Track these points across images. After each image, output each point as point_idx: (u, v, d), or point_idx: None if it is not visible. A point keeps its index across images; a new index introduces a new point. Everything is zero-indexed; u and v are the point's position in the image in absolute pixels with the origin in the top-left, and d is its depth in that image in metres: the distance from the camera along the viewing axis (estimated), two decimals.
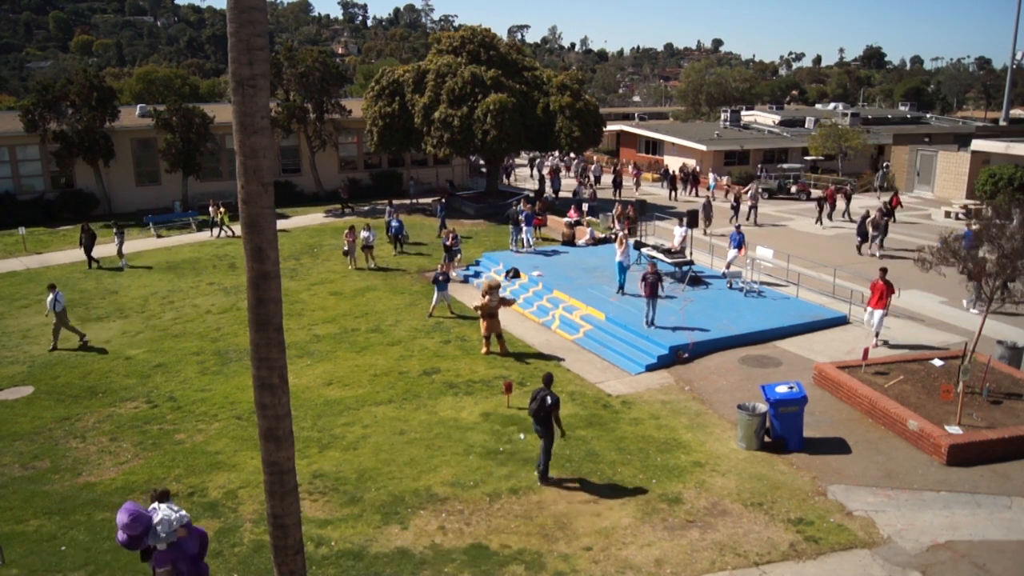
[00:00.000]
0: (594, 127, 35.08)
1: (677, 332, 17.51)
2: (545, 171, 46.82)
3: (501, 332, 17.57)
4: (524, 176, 52.31)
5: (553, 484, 11.77)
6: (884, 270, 16.82)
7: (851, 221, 31.28)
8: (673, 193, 40.66)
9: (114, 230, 27.04)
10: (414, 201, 38.26)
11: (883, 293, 16.45)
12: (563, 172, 49.96)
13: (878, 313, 16.53)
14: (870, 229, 25.63)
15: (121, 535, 8.21)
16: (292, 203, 37.60)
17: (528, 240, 26.36)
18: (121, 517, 8.12)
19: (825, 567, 9.62)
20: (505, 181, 48.19)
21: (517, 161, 55.99)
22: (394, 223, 27.10)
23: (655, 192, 42.79)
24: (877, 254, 25.22)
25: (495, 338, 17.55)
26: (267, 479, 6.11)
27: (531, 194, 38.19)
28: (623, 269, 20.70)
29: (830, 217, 31.69)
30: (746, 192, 33.31)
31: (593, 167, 47.79)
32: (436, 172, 43.66)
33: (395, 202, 33.17)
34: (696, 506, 11.05)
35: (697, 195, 40.28)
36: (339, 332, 19.33)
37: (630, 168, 47.31)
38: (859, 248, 25.87)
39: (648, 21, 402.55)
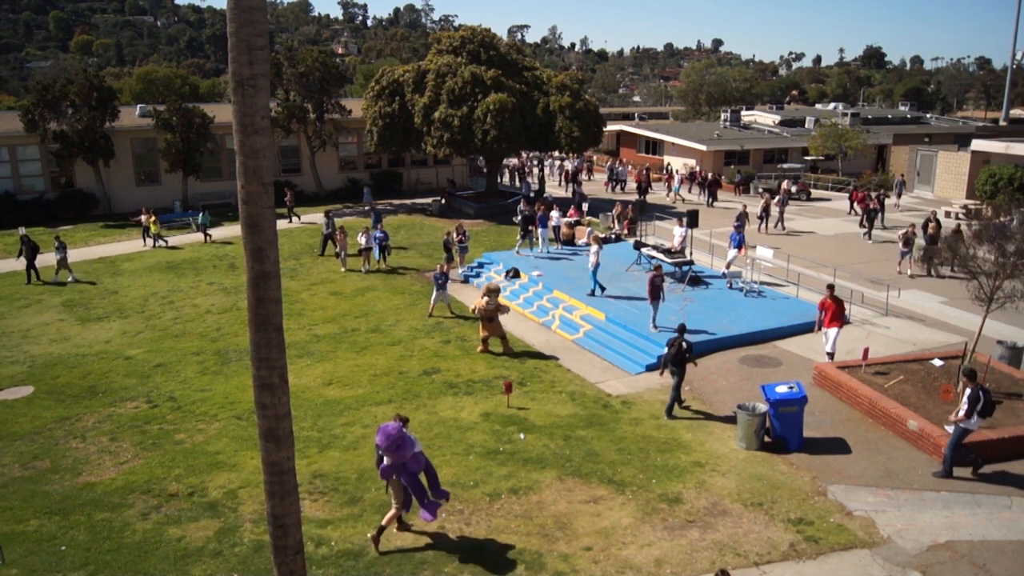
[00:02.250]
0: (594, 127, 35.05)
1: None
2: (553, 172, 46.30)
3: (504, 335, 17.57)
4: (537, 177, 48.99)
5: (674, 419, 13.94)
6: (831, 287, 16.11)
7: (884, 228, 29.59)
8: (712, 200, 37.21)
9: (55, 243, 24.76)
10: (366, 208, 35.78)
11: (834, 312, 15.68)
12: (584, 174, 47.42)
13: (832, 332, 15.76)
14: (900, 245, 23.01)
15: (382, 439, 9.84)
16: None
17: (543, 242, 26.28)
18: (387, 430, 9.87)
19: (825, 567, 9.62)
20: (519, 183, 47.79)
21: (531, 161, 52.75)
22: (378, 233, 25.89)
23: (688, 198, 39.80)
24: (908, 272, 22.70)
25: (498, 340, 17.55)
26: (267, 479, 6.11)
27: (530, 194, 38.19)
28: (595, 273, 20.68)
29: (870, 223, 28.72)
30: (775, 198, 31.22)
31: (620, 170, 45.20)
32: (436, 172, 43.68)
33: (330, 211, 29.88)
34: (696, 506, 11.05)
35: (711, 196, 37.68)
36: (339, 332, 19.33)
37: (664, 172, 43.98)
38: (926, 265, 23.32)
39: (648, 21, 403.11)
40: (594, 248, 20.72)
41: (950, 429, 11.72)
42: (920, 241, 23.95)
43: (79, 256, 28.04)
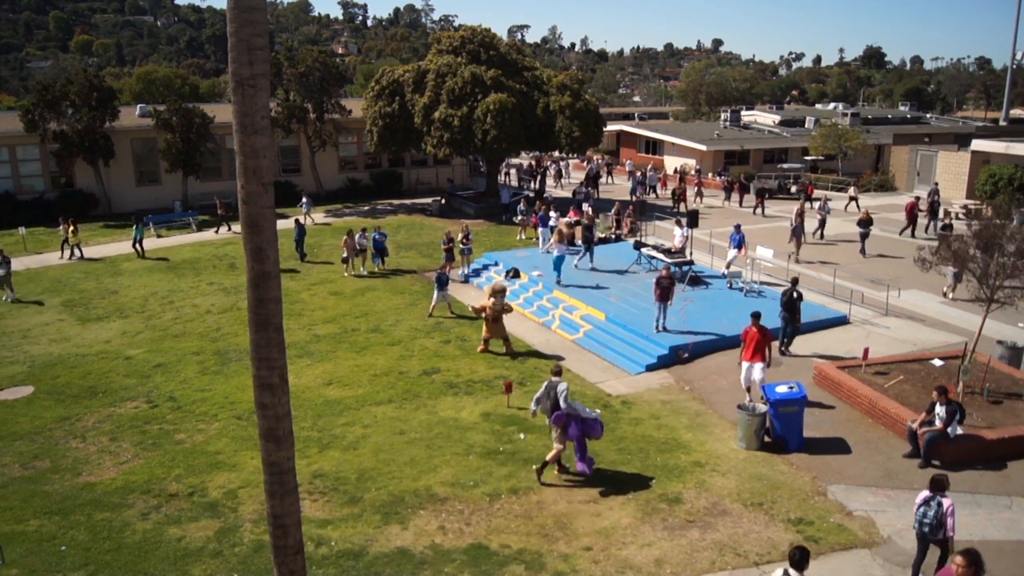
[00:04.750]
0: (594, 127, 35.05)
1: (677, 332, 17.49)
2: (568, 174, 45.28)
3: (507, 336, 17.57)
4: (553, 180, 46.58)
5: (791, 357, 16.26)
6: (756, 315, 14.12)
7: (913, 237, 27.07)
8: (759, 209, 33.98)
9: None
10: (306, 218, 32.38)
11: (758, 343, 13.84)
12: (603, 178, 44.90)
13: (757, 367, 13.89)
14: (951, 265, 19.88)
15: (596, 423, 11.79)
16: (292, 203, 37.54)
17: (543, 242, 26.20)
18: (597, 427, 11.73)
19: (825, 567, 9.61)
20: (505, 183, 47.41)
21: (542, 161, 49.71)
22: (376, 235, 25.32)
23: (727, 207, 36.66)
24: (951, 295, 20.34)
25: (499, 340, 17.55)
26: (267, 479, 6.11)
27: (531, 194, 38.18)
28: (560, 262, 21.58)
29: (912, 234, 27.17)
30: (815, 204, 28.81)
31: (651, 175, 41.80)
32: (436, 172, 43.70)
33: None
34: (696, 506, 11.05)
35: (760, 205, 34.19)
36: (339, 332, 19.33)
37: (693, 175, 40.91)
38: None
39: (648, 21, 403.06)
40: (553, 239, 22.06)
41: (913, 425, 12.24)
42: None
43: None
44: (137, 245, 27.96)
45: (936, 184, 34.86)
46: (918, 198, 30.67)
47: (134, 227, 28.12)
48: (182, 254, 28.47)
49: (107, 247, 29.67)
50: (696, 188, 38.30)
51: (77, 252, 27.89)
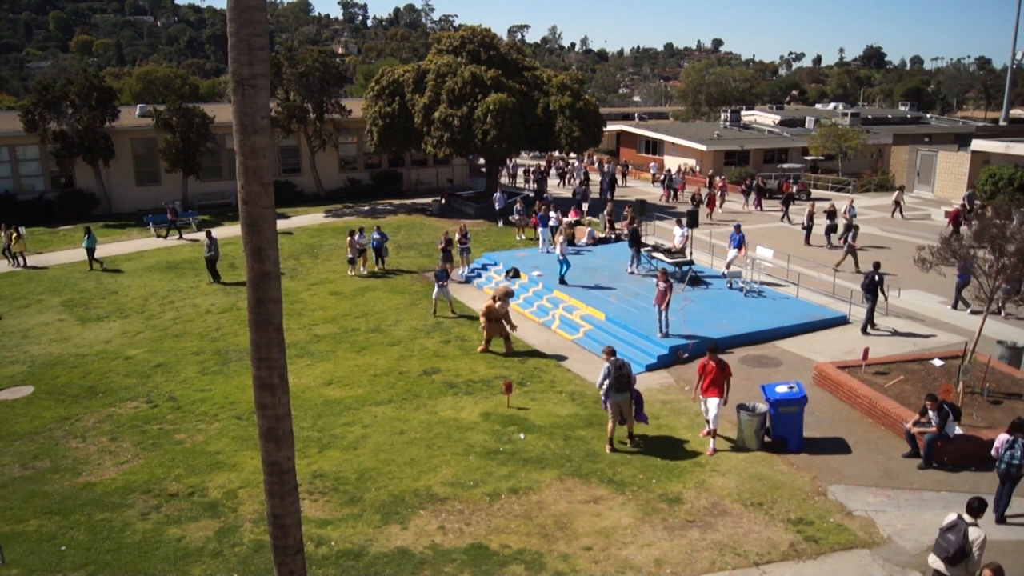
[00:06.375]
0: (594, 127, 35.04)
1: (677, 335, 17.49)
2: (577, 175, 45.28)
3: (508, 335, 17.59)
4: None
5: (866, 335, 17.35)
6: (714, 347, 13.12)
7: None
8: (785, 215, 32.12)
9: None
10: None
11: (715, 378, 12.67)
12: (619, 182, 43.72)
13: (713, 403, 12.66)
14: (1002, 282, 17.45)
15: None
16: (292, 203, 37.58)
17: (543, 242, 26.21)
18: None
19: (825, 567, 9.62)
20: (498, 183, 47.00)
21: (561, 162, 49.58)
22: (376, 235, 25.15)
23: (748, 210, 35.47)
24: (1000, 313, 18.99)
25: (500, 340, 17.57)
26: (267, 479, 6.11)
27: (530, 194, 38.16)
28: (562, 261, 21.80)
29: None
30: (843, 208, 27.30)
31: (675, 178, 40.81)
32: (436, 172, 43.70)
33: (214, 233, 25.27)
34: (696, 506, 11.05)
35: (757, 206, 33.17)
36: (339, 332, 19.33)
37: (718, 179, 38.71)
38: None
39: (648, 21, 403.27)
40: (560, 239, 22.35)
41: (908, 426, 12.32)
42: None
43: (79, 256, 28.04)
44: (89, 255, 26.21)
45: (972, 190, 33.34)
46: (964, 205, 29.30)
47: (85, 237, 26.27)
48: (182, 254, 28.46)
49: (107, 247, 29.61)
50: (720, 192, 36.51)
51: (21, 260, 26.91)
